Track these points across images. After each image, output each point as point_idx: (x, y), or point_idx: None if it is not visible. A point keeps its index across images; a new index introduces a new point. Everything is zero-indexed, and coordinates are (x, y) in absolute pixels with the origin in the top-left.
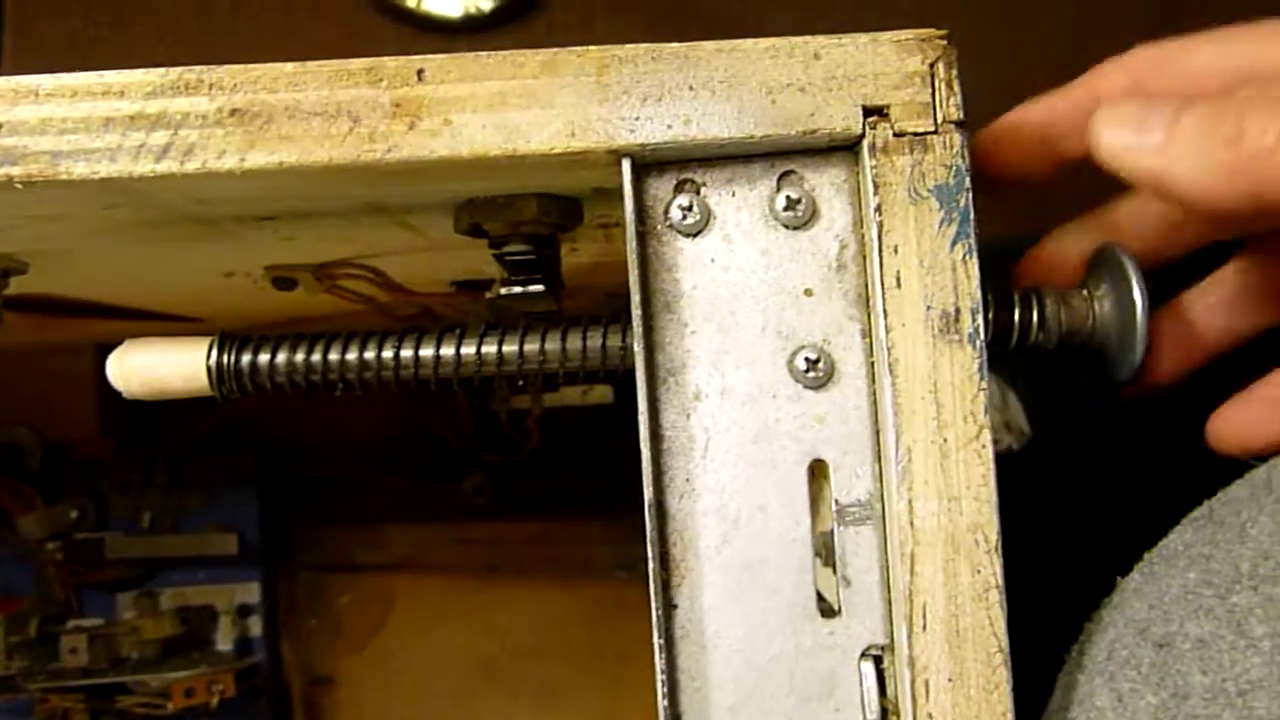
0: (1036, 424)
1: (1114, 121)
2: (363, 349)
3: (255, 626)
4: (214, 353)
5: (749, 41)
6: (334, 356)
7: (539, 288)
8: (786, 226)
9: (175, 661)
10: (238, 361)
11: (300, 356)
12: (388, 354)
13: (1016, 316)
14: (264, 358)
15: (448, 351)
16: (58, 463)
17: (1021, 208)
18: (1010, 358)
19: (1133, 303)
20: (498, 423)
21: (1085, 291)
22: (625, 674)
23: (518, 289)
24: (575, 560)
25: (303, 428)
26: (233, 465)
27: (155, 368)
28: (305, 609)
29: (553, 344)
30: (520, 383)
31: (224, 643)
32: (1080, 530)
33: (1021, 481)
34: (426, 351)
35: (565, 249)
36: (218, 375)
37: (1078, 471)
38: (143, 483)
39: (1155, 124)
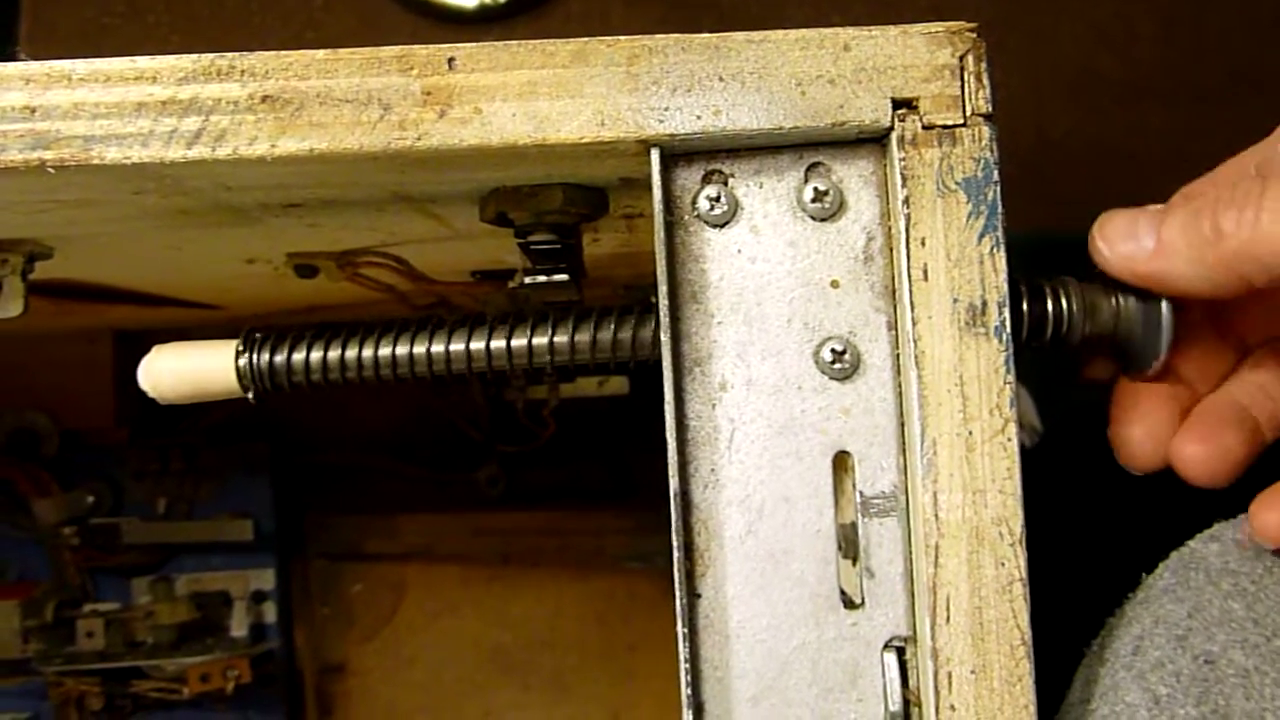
0: (1049, 422)
1: (1110, 236)
2: (395, 344)
3: (270, 613)
4: (241, 355)
5: (779, 33)
6: (367, 353)
7: (563, 277)
8: (814, 218)
9: (190, 647)
10: (260, 361)
11: (331, 354)
12: (419, 349)
13: (1040, 309)
14: (293, 356)
15: (478, 346)
16: (74, 449)
17: (1051, 205)
18: (1034, 351)
19: (1159, 296)
20: (514, 413)
21: (1110, 286)
22: (636, 665)
23: (542, 278)
24: (588, 551)
25: (317, 416)
26: (247, 453)
27: (185, 372)
28: (318, 597)
29: (579, 336)
30: (544, 374)
31: (238, 629)
32: (1091, 528)
33: (1034, 479)
34: (457, 346)
35: (587, 239)
36: (248, 376)
37: (1090, 470)
38: (158, 470)
39: (1144, 232)
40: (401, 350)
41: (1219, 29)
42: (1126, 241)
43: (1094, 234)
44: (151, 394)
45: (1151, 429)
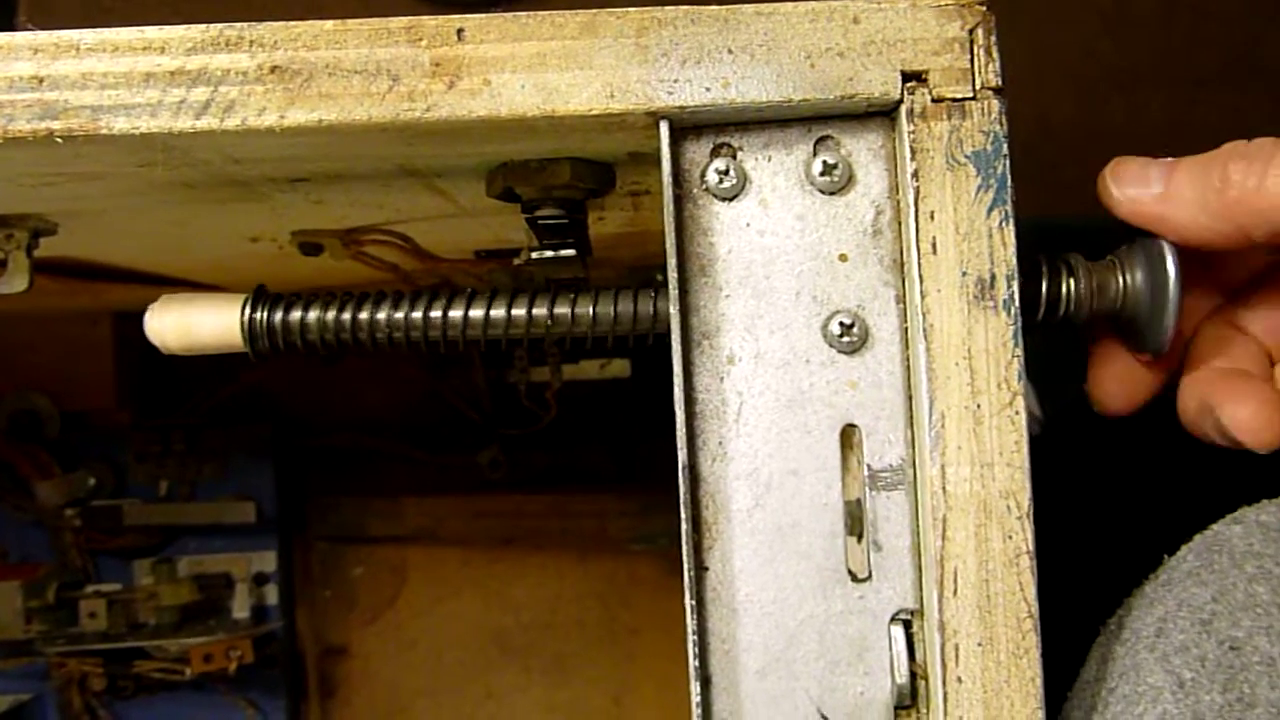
0: (1049, 408)
1: (1120, 177)
2: (400, 308)
3: (271, 595)
4: (248, 309)
5: (788, 5)
6: (377, 315)
7: (570, 252)
8: (822, 191)
9: (193, 628)
10: (271, 318)
11: (337, 314)
12: (428, 313)
13: (1048, 285)
14: (298, 315)
15: (479, 313)
16: (76, 431)
17: (1051, 189)
18: (1042, 329)
19: (1166, 274)
20: (516, 396)
21: (1117, 264)
22: (637, 648)
23: (549, 253)
24: (590, 534)
25: (319, 399)
26: (249, 435)
27: (191, 322)
28: (320, 579)
29: (585, 307)
30: (548, 349)
31: (240, 610)
32: (1097, 515)
33: (1039, 465)
34: (457, 312)
35: (592, 218)
36: (250, 331)
37: (1093, 457)
38: (160, 451)
39: (1155, 177)
40: (407, 314)
41: (1218, 14)
42: (1136, 184)
43: (1105, 175)
44: (155, 342)
45: (1260, 406)
